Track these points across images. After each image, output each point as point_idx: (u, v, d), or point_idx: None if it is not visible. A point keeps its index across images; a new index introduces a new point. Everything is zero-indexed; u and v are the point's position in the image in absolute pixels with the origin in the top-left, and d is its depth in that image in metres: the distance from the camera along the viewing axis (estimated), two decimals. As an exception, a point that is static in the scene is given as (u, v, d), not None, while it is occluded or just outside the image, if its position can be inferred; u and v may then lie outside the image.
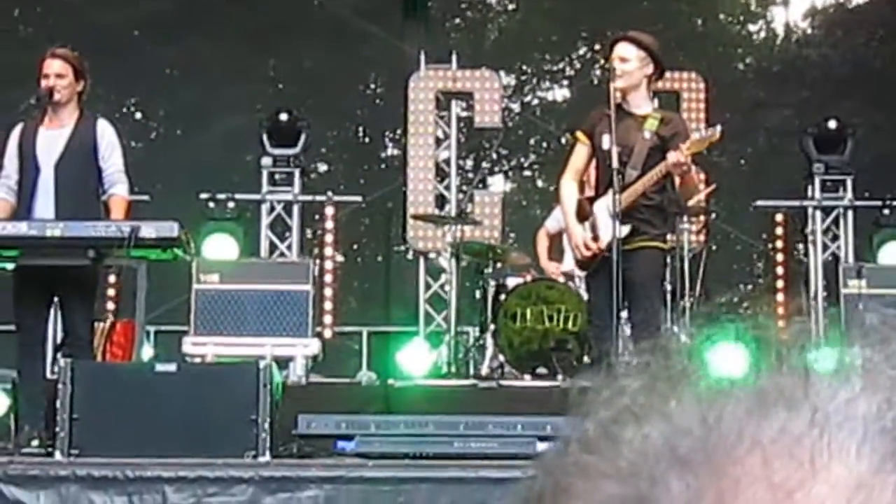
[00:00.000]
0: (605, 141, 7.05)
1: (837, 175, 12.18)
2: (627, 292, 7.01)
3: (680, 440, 0.68)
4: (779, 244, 12.58)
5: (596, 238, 7.09)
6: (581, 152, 7.21)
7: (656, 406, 0.70)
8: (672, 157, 6.95)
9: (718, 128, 7.41)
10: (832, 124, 12.18)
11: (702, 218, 11.62)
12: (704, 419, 0.69)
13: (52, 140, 7.44)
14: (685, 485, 0.67)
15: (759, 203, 13.05)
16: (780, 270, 12.51)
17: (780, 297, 12.50)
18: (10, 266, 7.41)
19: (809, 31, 22.90)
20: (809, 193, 12.30)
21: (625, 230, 7.05)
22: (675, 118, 7.71)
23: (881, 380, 0.69)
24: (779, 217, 12.54)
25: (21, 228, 7.03)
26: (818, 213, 12.28)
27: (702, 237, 11.53)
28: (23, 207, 7.40)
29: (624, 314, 7.78)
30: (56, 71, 7.48)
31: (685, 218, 10.73)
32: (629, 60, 7.16)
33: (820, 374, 0.70)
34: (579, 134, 7.24)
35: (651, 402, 0.71)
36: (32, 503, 6.03)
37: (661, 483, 0.67)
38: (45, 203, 7.34)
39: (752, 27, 24.14)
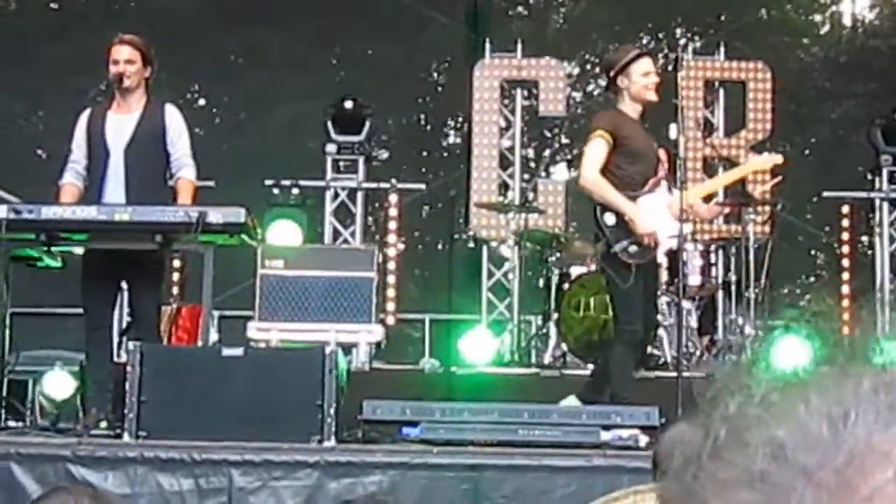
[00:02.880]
0: (635, 142, 7.26)
1: (905, 166, 12.07)
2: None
3: (810, 448, 0.67)
4: (844, 236, 12.47)
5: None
6: (603, 150, 7.28)
7: (785, 408, 0.69)
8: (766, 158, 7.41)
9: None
10: (901, 115, 12.07)
11: (767, 209, 11.54)
12: (833, 425, 0.68)
13: (121, 125, 7.50)
14: (818, 499, 0.66)
15: (826, 194, 12.95)
16: (845, 262, 12.41)
17: (844, 289, 12.40)
18: (78, 250, 7.47)
19: (877, 21, 22.66)
20: (876, 185, 12.20)
21: (687, 228, 7.33)
22: None
23: None
24: (845, 208, 12.43)
25: (90, 213, 7.09)
26: (885, 205, 12.18)
27: (767, 228, 11.44)
28: (93, 191, 7.46)
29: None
30: (126, 57, 7.54)
31: (751, 208, 10.67)
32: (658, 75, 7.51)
33: None
34: (603, 133, 7.30)
35: (779, 402, 0.70)
36: (101, 484, 6.09)
37: (794, 494, 0.67)
38: (115, 187, 7.40)
39: (818, 17, 23.91)
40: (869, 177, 12.47)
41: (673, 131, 7.20)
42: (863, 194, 12.47)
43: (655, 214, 7.21)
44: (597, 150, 7.29)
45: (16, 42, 17.19)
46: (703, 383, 0.77)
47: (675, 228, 7.24)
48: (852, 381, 0.70)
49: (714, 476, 0.71)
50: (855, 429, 0.68)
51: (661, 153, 7.45)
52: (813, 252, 21.61)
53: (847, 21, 23.72)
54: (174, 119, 7.58)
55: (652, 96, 7.35)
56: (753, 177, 12.09)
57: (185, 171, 7.54)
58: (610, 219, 7.23)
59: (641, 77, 7.31)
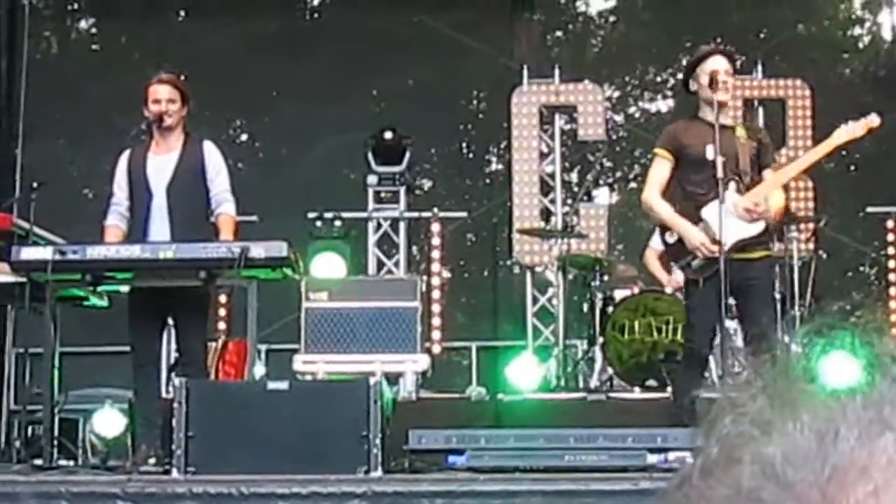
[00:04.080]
0: (707, 152, 7.06)
1: (950, 178, 12.02)
2: (746, 301, 7.09)
3: (797, 465, 0.70)
4: (891, 251, 12.42)
5: (714, 241, 7.04)
6: (664, 168, 7.21)
7: (777, 425, 0.72)
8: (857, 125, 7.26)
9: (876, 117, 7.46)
10: (943, 128, 12.01)
11: (811, 226, 11.50)
12: (821, 441, 0.70)
13: (161, 165, 7.58)
14: None
15: (870, 209, 12.89)
16: (892, 277, 12.35)
17: (893, 304, 12.32)
18: (124, 288, 7.55)
19: (917, 34, 22.54)
20: (920, 198, 12.15)
21: (756, 229, 7.12)
22: (760, 127, 7.78)
23: None
24: (890, 223, 12.38)
25: (134, 251, 7.17)
26: (930, 219, 12.12)
27: (811, 245, 11.40)
28: (138, 232, 7.53)
29: (731, 324, 7.78)
30: (167, 96, 7.62)
31: (793, 226, 10.64)
32: (731, 74, 7.22)
33: None
34: (661, 150, 7.24)
35: (772, 420, 0.72)
36: (151, 520, 6.14)
37: None
38: (160, 226, 7.47)
39: (857, 31, 23.82)
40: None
41: (710, 152, 7.14)
42: (907, 208, 12.41)
43: (724, 221, 7.00)
44: (654, 170, 7.30)
45: (58, 83, 17.38)
46: (704, 404, 0.80)
47: (745, 231, 7.09)
48: (843, 397, 0.72)
49: (704, 494, 0.73)
50: (839, 444, 0.70)
51: (748, 147, 7.15)
52: (861, 268, 21.48)
53: (886, 34, 23.62)
54: (213, 156, 7.65)
55: (721, 97, 7.09)
56: (796, 194, 12.08)
57: (225, 206, 7.60)
58: (670, 237, 7.20)
59: (705, 77, 7.14)
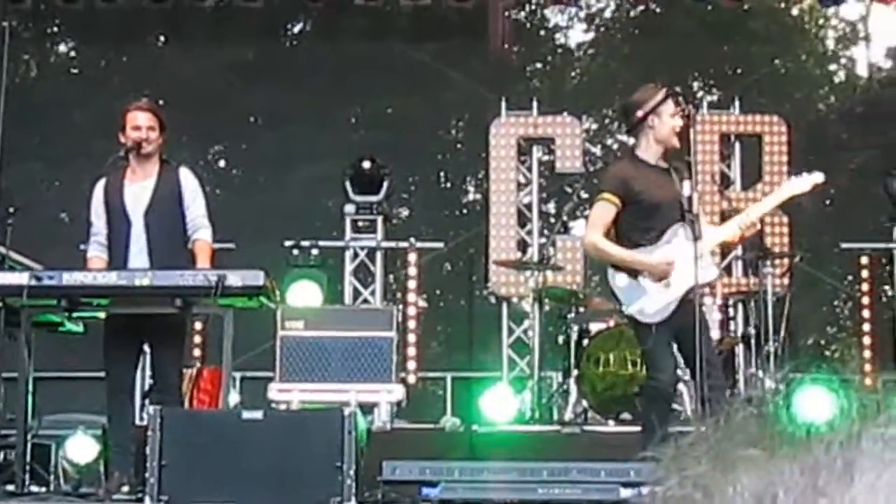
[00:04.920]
0: (648, 195, 7.03)
1: (923, 217, 12.10)
2: (687, 343, 6.92)
3: None
4: (865, 287, 12.46)
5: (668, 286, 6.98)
6: (609, 212, 7.05)
7: (718, 489, 0.74)
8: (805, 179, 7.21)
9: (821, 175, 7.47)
10: (917, 166, 12.11)
11: (786, 261, 11.57)
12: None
13: (138, 192, 7.57)
14: None
15: (845, 245, 12.95)
16: (866, 313, 12.39)
17: (866, 340, 12.38)
18: (101, 315, 7.53)
19: (892, 71, 22.71)
20: (895, 235, 12.21)
21: (712, 274, 7.11)
22: (685, 163, 7.62)
23: None
24: (864, 259, 12.44)
25: (111, 278, 7.16)
26: (903, 256, 12.18)
27: (786, 280, 11.46)
28: (117, 259, 7.51)
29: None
30: (147, 123, 7.62)
31: (768, 261, 10.70)
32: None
33: (865, 454, 0.72)
34: (608, 195, 7.07)
35: (713, 484, 0.74)
36: (123, 549, 6.12)
37: None
38: (139, 253, 7.46)
39: (833, 67, 23.99)
40: (889, 226, 12.48)
41: (687, 188, 7.12)
42: (881, 245, 12.48)
43: (676, 264, 6.95)
44: (599, 213, 7.09)
45: (37, 107, 17.35)
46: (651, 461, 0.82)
47: (701, 276, 6.92)
48: (782, 461, 0.74)
49: None
50: None
51: (686, 190, 7.08)
52: (835, 303, 21.58)
53: (862, 71, 23.78)
54: (189, 182, 7.65)
55: (676, 142, 7.13)
56: (771, 230, 12.14)
57: (201, 232, 7.60)
58: (621, 280, 6.99)
59: (670, 118, 7.10)
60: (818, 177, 7.44)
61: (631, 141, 7.56)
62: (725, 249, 11.85)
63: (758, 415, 0.81)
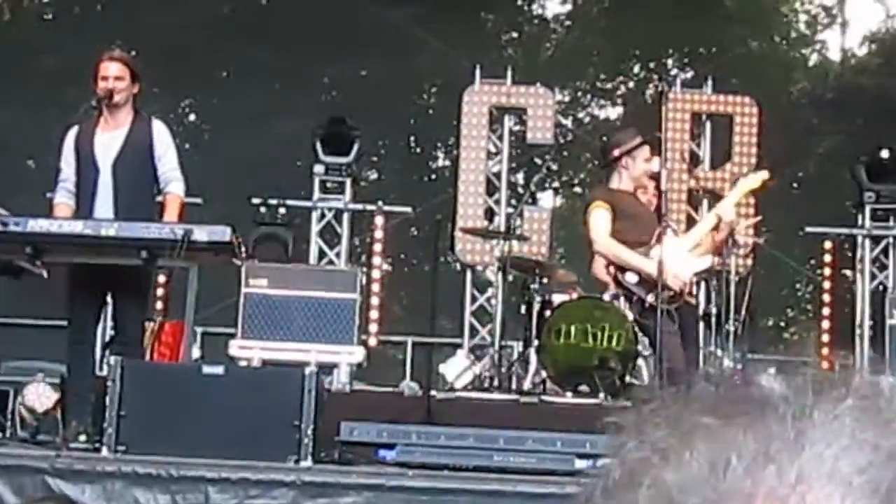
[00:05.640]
0: (631, 207, 7.76)
1: (888, 204, 12.18)
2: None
3: (690, 491, 0.76)
4: (827, 271, 12.57)
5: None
6: (606, 217, 7.70)
7: (675, 453, 0.78)
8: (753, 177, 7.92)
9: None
10: (885, 153, 12.18)
11: (750, 242, 11.63)
12: (713, 469, 0.76)
13: (109, 142, 7.55)
14: None
15: (809, 229, 13.04)
16: (826, 297, 12.51)
17: (825, 323, 12.49)
18: (66, 261, 7.50)
19: (866, 58, 22.82)
20: (859, 221, 12.30)
21: (704, 263, 7.48)
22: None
23: (868, 436, 0.75)
24: (828, 244, 12.53)
25: (76, 227, 7.14)
26: (867, 242, 12.27)
27: (749, 261, 11.53)
28: (83, 208, 7.50)
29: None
30: (115, 74, 7.58)
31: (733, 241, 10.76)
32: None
33: (816, 425, 0.76)
34: (600, 202, 7.76)
35: (671, 448, 0.78)
36: (78, 497, 6.13)
37: None
38: (104, 203, 7.44)
39: (807, 52, 24.09)
40: (854, 212, 12.57)
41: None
42: (845, 230, 12.57)
43: (671, 261, 7.44)
44: (600, 217, 7.70)
45: (8, 52, 17.24)
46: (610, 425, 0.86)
47: (695, 266, 7.70)
48: (737, 429, 0.78)
49: None
50: (729, 473, 0.76)
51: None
52: (797, 286, 21.73)
53: (835, 56, 23.87)
54: (161, 134, 7.63)
55: (647, 183, 7.84)
56: (737, 210, 12.20)
57: (173, 185, 7.59)
58: (632, 277, 7.55)
59: (644, 163, 7.70)
60: (764, 174, 8.25)
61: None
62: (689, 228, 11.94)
63: (717, 384, 0.84)
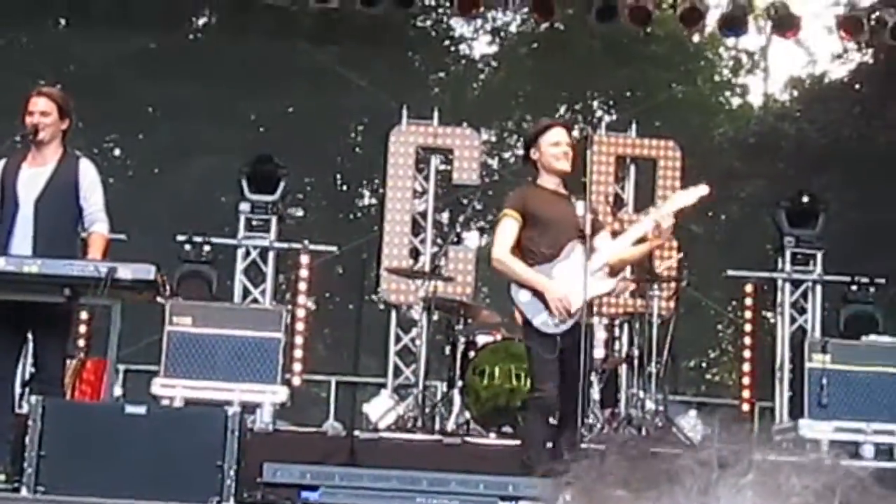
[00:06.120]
0: (546, 212, 7.29)
1: (808, 249, 12.35)
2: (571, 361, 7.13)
3: None
4: (748, 314, 12.71)
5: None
6: (513, 227, 7.34)
7: None
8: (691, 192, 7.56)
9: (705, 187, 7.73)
10: (805, 198, 12.36)
11: (672, 285, 11.74)
12: None
13: (33, 178, 7.49)
14: None
15: (730, 272, 13.18)
16: (747, 340, 12.64)
17: (746, 366, 12.62)
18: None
19: (787, 103, 23.16)
20: (780, 265, 12.45)
21: (606, 286, 7.27)
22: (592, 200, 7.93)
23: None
24: (748, 287, 12.67)
25: (-2, 263, 7.07)
26: (787, 286, 12.43)
27: (671, 304, 11.63)
28: (0, 243, 7.43)
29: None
30: (41, 109, 7.53)
31: (655, 284, 10.86)
32: (571, 146, 7.48)
33: (720, 499, 0.80)
34: (510, 211, 7.37)
35: None
36: (-4, 538, 6.06)
37: None
38: (22, 239, 7.37)
39: (730, 96, 24.40)
40: (774, 255, 12.72)
41: (580, 209, 7.28)
42: (766, 274, 12.73)
43: (569, 281, 7.14)
44: (504, 229, 7.35)
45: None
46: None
47: (596, 288, 7.24)
48: (647, 502, 0.81)
49: None
50: None
51: (581, 214, 7.38)
52: (718, 327, 21.94)
53: (757, 101, 24.20)
54: (89, 174, 7.57)
55: (562, 165, 7.37)
56: (659, 253, 12.32)
57: (97, 225, 7.53)
58: (524, 295, 7.22)
59: (550, 147, 7.35)
60: (703, 189, 7.70)
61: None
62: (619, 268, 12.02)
63: (629, 456, 0.88)
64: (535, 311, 7.15)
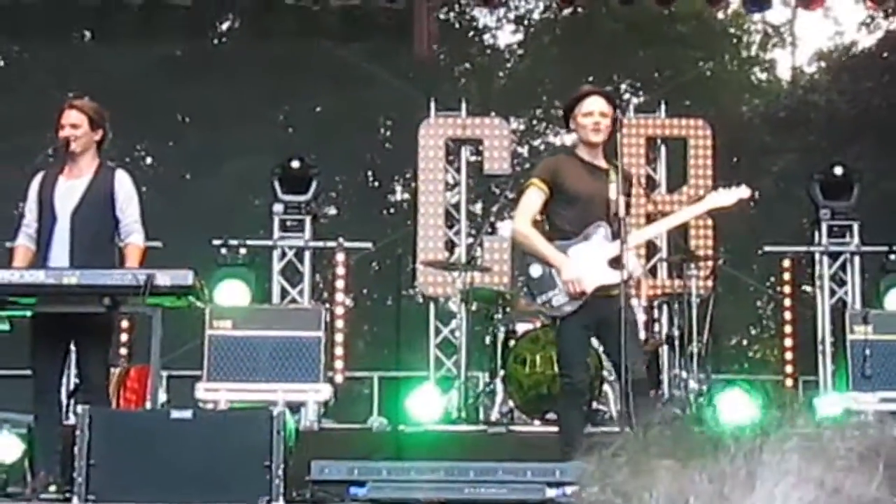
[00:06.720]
0: (575, 187, 7.07)
1: (844, 220, 12.27)
2: (608, 336, 7.02)
3: None
4: (786, 289, 12.65)
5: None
6: (538, 198, 7.10)
7: (635, 495, 0.82)
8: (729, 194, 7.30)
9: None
10: (838, 170, 12.28)
11: (709, 264, 11.72)
12: None
13: (70, 190, 7.54)
14: None
15: (767, 248, 13.13)
16: (787, 315, 12.58)
17: (787, 341, 12.57)
18: (27, 313, 7.49)
19: (816, 75, 23.04)
20: (816, 239, 12.39)
21: (616, 277, 7.02)
22: (630, 172, 7.77)
23: (814, 473, 0.80)
24: (786, 262, 12.61)
25: (38, 277, 7.12)
26: (825, 259, 12.37)
27: (709, 283, 11.60)
28: (39, 256, 7.49)
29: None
30: (72, 121, 7.58)
31: (692, 264, 10.84)
32: (608, 116, 7.19)
33: (765, 464, 0.81)
34: (537, 181, 7.11)
35: (632, 490, 0.82)
36: (50, 549, 6.11)
37: None
38: (60, 251, 7.43)
39: (758, 72, 24.29)
40: (810, 229, 12.66)
41: (612, 192, 7.16)
42: (803, 248, 12.67)
43: (586, 263, 6.97)
44: (528, 200, 7.12)
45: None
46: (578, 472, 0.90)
47: (607, 277, 6.97)
48: (693, 471, 0.82)
49: None
50: None
51: (614, 195, 7.01)
52: (758, 304, 21.85)
53: (785, 75, 24.07)
54: (124, 185, 7.61)
55: (594, 137, 7.08)
56: (696, 232, 12.29)
57: (133, 237, 7.57)
58: (536, 270, 7.02)
59: (583, 118, 7.11)
60: (744, 191, 7.45)
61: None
62: (650, 251, 12.03)
63: (673, 427, 0.89)
64: (542, 287, 7.00)
